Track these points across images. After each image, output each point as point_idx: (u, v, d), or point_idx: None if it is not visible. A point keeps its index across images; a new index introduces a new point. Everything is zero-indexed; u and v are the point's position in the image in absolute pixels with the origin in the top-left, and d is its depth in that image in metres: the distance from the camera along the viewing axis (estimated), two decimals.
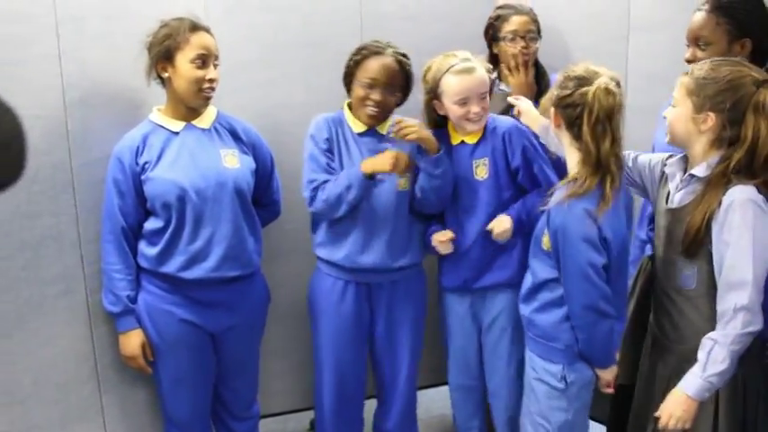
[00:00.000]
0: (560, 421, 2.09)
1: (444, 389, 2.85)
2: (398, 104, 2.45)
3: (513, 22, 2.64)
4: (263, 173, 2.41)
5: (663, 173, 2.04)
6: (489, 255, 2.41)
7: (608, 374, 2.10)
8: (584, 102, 1.92)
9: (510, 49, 2.64)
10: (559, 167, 2.23)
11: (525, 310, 2.14)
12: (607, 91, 1.91)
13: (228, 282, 2.29)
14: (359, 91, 2.36)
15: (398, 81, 2.38)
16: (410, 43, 2.71)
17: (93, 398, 2.35)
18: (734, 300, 1.78)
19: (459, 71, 2.30)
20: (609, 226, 1.94)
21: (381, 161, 2.30)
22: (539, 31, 2.68)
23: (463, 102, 2.31)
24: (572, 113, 1.96)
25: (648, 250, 2.27)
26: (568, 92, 1.96)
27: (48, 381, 2.23)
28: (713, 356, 1.80)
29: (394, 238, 2.40)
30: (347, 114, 2.45)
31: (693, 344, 1.88)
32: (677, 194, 1.95)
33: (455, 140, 2.43)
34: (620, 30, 2.57)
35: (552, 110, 2.03)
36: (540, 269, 2.09)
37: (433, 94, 2.36)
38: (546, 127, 2.29)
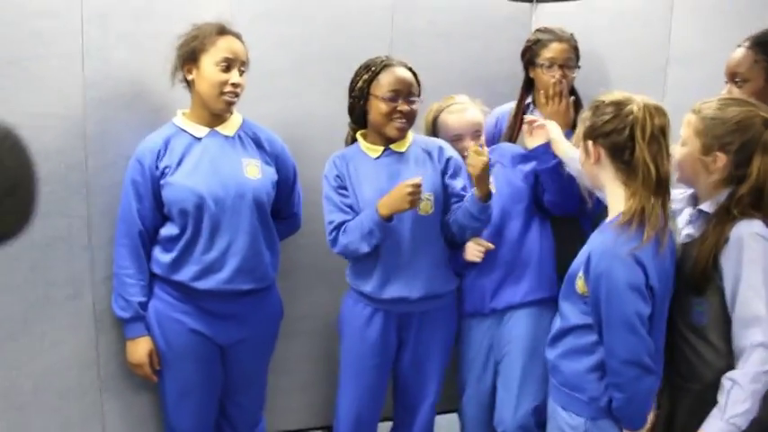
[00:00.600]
0: None
1: (449, 417, 2.74)
2: None
3: (552, 49, 2.52)
4: (285, 185, 2.33)
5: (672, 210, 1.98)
6: (504, 270, 2.37)
7: None
8: (633, 122, 1.78)
9: (546, 76, 2.52)
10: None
11: (551, 354, 1.98)
12: (656, 107, 1.81)
13: (241, 294, 2.21)
14: (381, 107, 2.25)
15: (416, 88, 2.30)
16: (441, 61, 2.68)
17: (95, 406, 2.28)
18: (749, 337, 1.72)
19: (453, 111, 2.43)
20: (656, 270, 1.78)
21: (398, 200, 2.15)
22: (578, 59, 2.58)
23: (458, 139, 2.40)
24: (618, 139, 1.80)
25: None
26: (608, 117, 1.81)
27: (49, 387, 2.15)
28: (733, 397, 1.72)
29: (420, 268, 2.29)
30: (361, 143, 2.36)
31: (708, 383, 1.81)
32: (685, 229, 1.91)
33: None
34: (659, 60, 2.49)
35: (589, 144, 1.86)
36: (570, 313, 1.91)
37: (431, 133, 2.48)
38: (573, 158, 2.19)
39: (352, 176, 2.32)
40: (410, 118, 2.29)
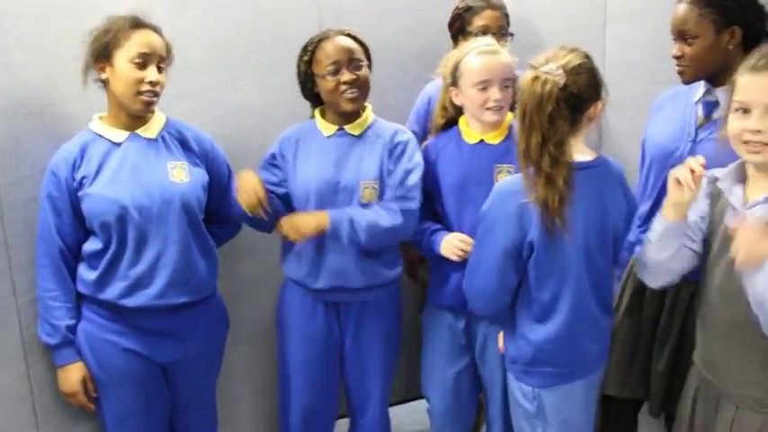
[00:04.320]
0: None
1: (416, 404, 2.56)
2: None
3: (485, 17, 2.34)
4: (219, 186, 2.08)
5: (711, 195, 1.66)
6: None
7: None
8: (519, 88, 1.67)
9: None
10: None
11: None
12: (534, 79, 1.60)
13: (177, 309, 1.96)
14: (327, 84, 2.02)
15: (360, 53, 2.06)
16: (373, 39, 2.42)
17: None
18: None
19: (483, 52, 2.01)
20: (540, 233, 1.66)
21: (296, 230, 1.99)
22: (509, 27, 2.39)
23: (484, 86, 1.98)
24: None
25: (638, 251, 1.99)
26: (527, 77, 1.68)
27: None
28: None
29: (359, 257, 2.05)
30: (318, 120, 2.13)
31: (759, 389, 1.56)
32: (755, 211, 1.53)
33: (472, 139, 2.07)
34: (596, 19, 2.29)
35: None
36: None
37: (452, 78, 2.05)
38: None
39: (300, 154, 2.09)
40: (361, 86, 2.04)
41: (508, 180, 1.76)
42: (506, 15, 2.40)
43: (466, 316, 2.10)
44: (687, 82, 1.89)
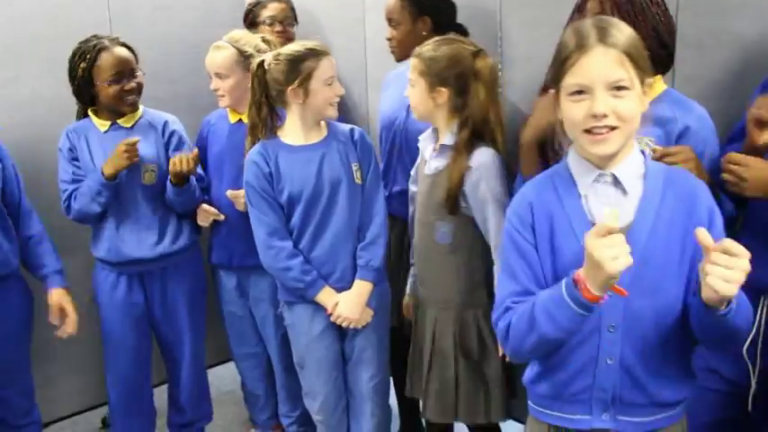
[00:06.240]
0: None
1: (231, 365, 2.76)
2: None
3: (271, 8, 2.63)
4: (5, 175, 2.14)
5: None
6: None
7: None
8: None
9: (267, 32, 2.59)
10: None
11: None
12: (259, 64, 2.00)
13: None
14: (109, 91, 2.20)
15: (134, 63, 2.26)
16: (162, 32, 2.61)
17: None
18: None
19: (210, 48, 2.30)
20: None
21: (117, 158, 2.16)
22: (295, 18, 2.68)
23: (210, 79, 2.30)
24: None
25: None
26: None
27: None
28: None
29: (148, 230, 2.29)
30: (93, 118, 2.30)
31: (449, 294, 1.95)
32: (432, 162, 1.97)
33: (233, 118, 2.37)
34: (356, 11, 2.62)
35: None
36: None
37: None
38: None
39: (85, 149, 2.27)
40: (140, 91, 2.27)
41: None
42: (292, 8, 2.67)
43: (235, 273, 2.42)
44: (398, 60, 2.23)
